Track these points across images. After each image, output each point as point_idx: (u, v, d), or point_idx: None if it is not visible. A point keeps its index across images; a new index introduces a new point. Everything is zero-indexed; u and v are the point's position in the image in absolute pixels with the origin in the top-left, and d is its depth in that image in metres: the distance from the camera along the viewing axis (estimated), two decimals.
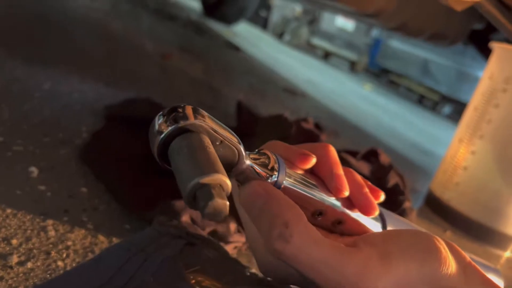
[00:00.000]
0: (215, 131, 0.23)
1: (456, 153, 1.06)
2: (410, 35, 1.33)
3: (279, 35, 5.11)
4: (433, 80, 4.25)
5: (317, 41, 5.06)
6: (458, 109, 4.09)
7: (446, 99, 4.21)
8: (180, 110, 0.22)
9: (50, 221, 0.50)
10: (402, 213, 0.73)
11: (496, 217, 0.99)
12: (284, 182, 0.26)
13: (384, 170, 0.82)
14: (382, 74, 4.96)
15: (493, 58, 1.04)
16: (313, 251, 0.22)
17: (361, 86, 3.76)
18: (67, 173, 0.61)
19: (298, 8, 5.07)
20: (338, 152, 0.93)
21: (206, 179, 0.20)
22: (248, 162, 0.25)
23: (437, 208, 1.06)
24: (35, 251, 0.44)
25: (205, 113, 0.23)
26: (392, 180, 0.78)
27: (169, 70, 1.48)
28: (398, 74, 4.73)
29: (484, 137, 0.99)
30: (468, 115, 1.05)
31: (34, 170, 0.58)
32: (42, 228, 0.48)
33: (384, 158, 0.88)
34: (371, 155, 0.89)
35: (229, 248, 0.57)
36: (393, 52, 4.70)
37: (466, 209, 1.01)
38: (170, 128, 0.22)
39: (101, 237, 0.51)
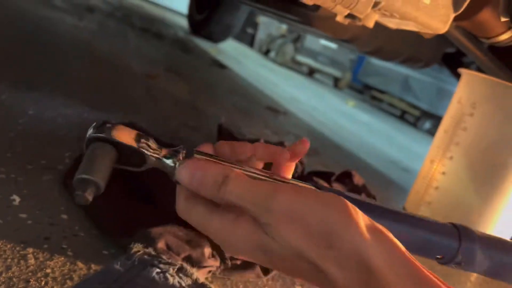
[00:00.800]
0: (122, 143, 0.32)
1: (427, 173, 1.10)
2: (385, 58, 1.38)
3: (265, 52, 5.19)
4: (414, 96, 4.35)
5: (302, 58, 5.15)
6: (438, 124, 4.18)
7: (426, 114, 4.31)
8: (103, 124, 0.32)
9: (30, 249, 0.52)
10: None
11: None
12: None
13: (357, 192, 0.86)
14: (365, 90, 5.06)
15: (461, 83, 1.10)
16: (246, 186, 0.31)
17: (345, 103, 3.83)
18: (49, 200, 0.64)
19: (283, 26, 5.18)
20: (310, 173, 0.96)
21: (83, 176, 0.29)
22: (153, 158, 0.33)
23: None
24: (14, 279, 0.46)
25: (124, 128, 0.33)
26: (359, 181, 0.82)
27: (154, 90, 1.51)
28: (380, 90, 4.84)
29: (454, 159, 1.04)
30: (439, 137, 1.10)
31: (15, 198, 0.61)
32: (22, 257, 0.50)
33: (357, 179, 0.92)
34: (345, 177, 0.93)
35: (204, 273, 0.60)
36: (375, 68, 4.81)
37: None
38: (88, 135, 0.32)
39: (80, 264, 0.53)
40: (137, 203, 0.67)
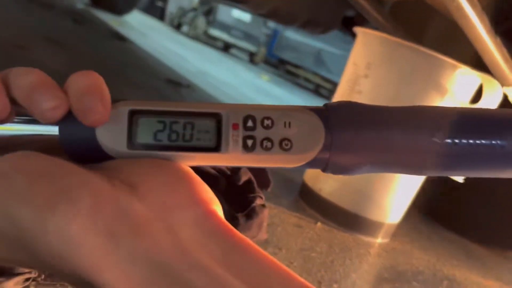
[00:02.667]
0: None
1: None
2: (282, 21, 1.28)
3: (177, 26, 4.94)
4: (327, 70, 4.41)
5: (215, 32, 4.98)
6: None
7: None
8: None
9: None
10: (252, 211, 0.66)
11: (365, 205, 0.98)
12: None
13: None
14: (280, 65, 5.04)
15: (357, 44, 1.03)
16: None
17: (259, 77, 3.76)
18: None
19: None
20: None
21: None
22: None
23: (309, 200, 1.03)
24: None
25: None
26: (244, 176, 0.72)
27: (21, 62, 1.28)
28: (295, 64, 4.85)
29: None
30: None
31: None
32: None
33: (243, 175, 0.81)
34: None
35: (18, 281, 0.46)
36: (289, 42, 4.80)
37: (337, 199, 0.99)
38: None
39: None
40: None
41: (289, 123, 0.25)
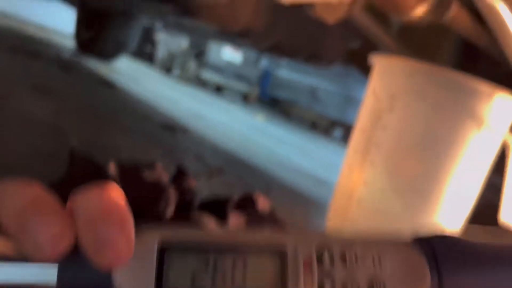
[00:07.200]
0: None
1: (347, 182, 0.91)
2: (285, 54, 1.21)
3: (168, 70, 4.91)
4: (322, 106, 4.37)
5: (206, 75, 4.96)
6: (348, 132, 4.23)
7: (336, 123, 4.35)
8: None
9: None
10: None
11: None
12: None
13: (261, 221, 0.63)
14: (274, 104, 5.01)
15: (375, 74, 0.93)
16: None
17: (253, 117, 3.69)
18: None
19: (184, 42, 4.96)
20: (202, 204, 0.72)
21: None
22: None
23: None
24: None
25: None
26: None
27: (5, 111, 1.18)
28: (289, 103, 4.82)
29: (375, 164, 0.86)
30: (356, 139, 0.92)
31: None
32: None
33: (262, 204, 0.69)
34: (246, 203, 0.70)
35: None
36: (282, 81, 4.80)
37: None
38: None
39: None
40: None
41: (379, 259, 0.19)
